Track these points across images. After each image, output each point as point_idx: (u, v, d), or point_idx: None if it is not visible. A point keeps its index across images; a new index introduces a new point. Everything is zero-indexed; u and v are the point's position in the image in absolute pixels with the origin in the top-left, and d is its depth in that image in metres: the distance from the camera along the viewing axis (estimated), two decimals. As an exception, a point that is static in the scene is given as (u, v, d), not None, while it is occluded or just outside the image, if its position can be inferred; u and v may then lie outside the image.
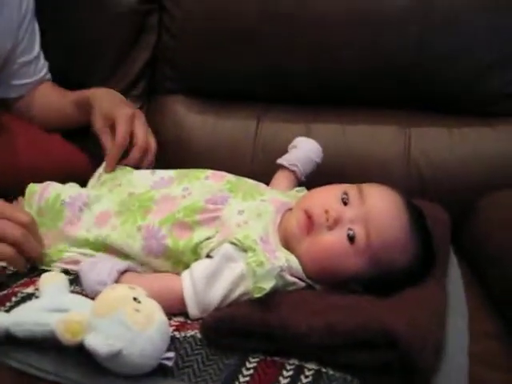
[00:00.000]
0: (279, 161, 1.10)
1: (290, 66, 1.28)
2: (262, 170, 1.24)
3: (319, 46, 1.25)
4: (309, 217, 0.86)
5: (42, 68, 1.28)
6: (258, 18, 1.26)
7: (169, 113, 1.37)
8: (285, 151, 1.25)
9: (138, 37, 1.36)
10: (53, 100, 1.25)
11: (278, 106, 1.33)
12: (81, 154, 1.22)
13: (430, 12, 1.21)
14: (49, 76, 1.29)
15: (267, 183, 1.06)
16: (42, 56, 1.27)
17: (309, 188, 1.07)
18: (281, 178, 1.09)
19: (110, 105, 1.09)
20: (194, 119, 1.35)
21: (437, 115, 1.27)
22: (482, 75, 1.23)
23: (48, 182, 0.99)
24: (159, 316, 0.71)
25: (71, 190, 0.99)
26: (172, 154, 1.33)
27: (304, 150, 1.11)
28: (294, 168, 1.08)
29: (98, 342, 0.66)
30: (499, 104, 1.24)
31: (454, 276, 0.96)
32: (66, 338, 0.67)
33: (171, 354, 0.70)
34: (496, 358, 0.83)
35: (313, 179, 1.19)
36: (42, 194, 0.97)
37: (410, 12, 1.21)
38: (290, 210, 0.93)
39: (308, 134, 1.26)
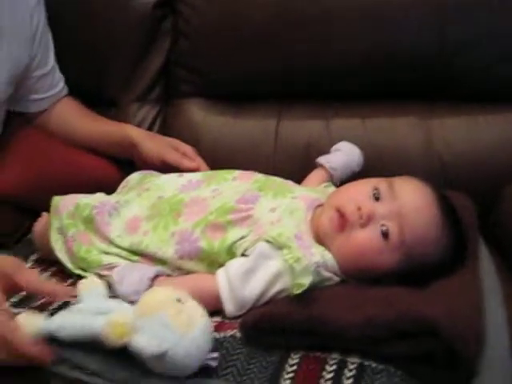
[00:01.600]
0: (320, 160, 1.11)
1: (303, 63, 1.28)
2: (284, 168, 1.25)
3: (332, 41, 1.25)
4: (341, 215, 0.86)
5: (59, 81, 1.28)
6: (271, 18, 1.26)
7: (187, 116, 1.37)
8: (306, 148, 1.27)
9: (153, 42, 1.37)
10: (76, 121, 1.26)
11: (296, 104, 1.32)
12: (112, 166, 1.23)
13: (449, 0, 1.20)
14: (66, 90, 1.30)
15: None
16: (57, 69, 1.28)
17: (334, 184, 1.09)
18: (316, 177, 1.10)
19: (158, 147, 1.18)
20: (212, 121, 1.35)
21: (459, 104, 1.25)
22: (501, 61, 1.21)
23: (73, 195, 1.00)
24: (202, 317, 0.72)
25: (99, 197, 1.00)
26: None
27: (348, 157, 1.12)
28: (333, 172, 1.09)
29: (145, 343, 0.67)
30: (521, 89, 1.22)
31: (486, 263, 0.95)
32: (112, 339, 0.68)
33: (215, 354, 0.71)
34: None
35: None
36: (70, 201, 0.97)
37: (426, 1, 1.21)
38: (321, 206, 0.93)
39: (328, 130, 1.27)
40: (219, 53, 1.32)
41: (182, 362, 0.68)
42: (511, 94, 1.24)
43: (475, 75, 1.23)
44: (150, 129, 1.38)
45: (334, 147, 1.15)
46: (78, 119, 1.26)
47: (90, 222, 0.95)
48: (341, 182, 1.08)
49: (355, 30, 1.24)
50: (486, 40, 1.20)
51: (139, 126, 1.36)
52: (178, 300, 0.71)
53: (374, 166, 1.17)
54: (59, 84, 1.28)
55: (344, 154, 1.12)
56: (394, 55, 1.24)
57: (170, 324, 0.68)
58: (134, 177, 1.09)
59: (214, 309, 0.83)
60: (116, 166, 1.23)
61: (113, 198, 1.01)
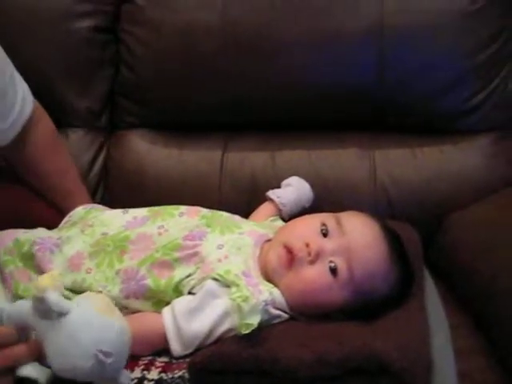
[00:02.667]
0: (270, 194, 1.10)
1: (251, 94, 1.28)
2: (230, 200, 1.26)
3: (280, 73, 1.26)
4: (289, 251, 0.86)
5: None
6: (218, 48, 1.26)
7: (131, 147, 1.35)
8: (251, 180, 1.27)
9: (97, 67, 1.35)
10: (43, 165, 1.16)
11: (242, 135, 1.32)
12: (59, 216, 1.13)
13: (386, 35, 1.22)
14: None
15: (235, 213, 1.05)
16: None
17: (280, 216, 1.08)
18: (265, 211, 1.09)
19: None
20: (157, 153, 1.33)
21: (399, 136, 1.28)
22: (439, 94, 1.25)
23: (12, 230, 0.96)
24: (123, 321, 0.71)
25: (40, 232, 0.96)
26: (136, 189, 1.31)
27: (298, 193, 1.12)
28: (283, 208, 1.08)
29: (57, 299, 0.67)
30: (459, 121, 1.26)
31: (431, 294, 0.97)
32: (39, 285, 0.68)
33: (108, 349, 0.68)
34: (484, 375, 0.84)
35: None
36: (8, 237, 0.93)
37: (366, 35, 1.23)
38: (269, 241, 0.92)
39: (274, 162, 1.28)
40: (164, 83, 1.30)
41: (79, 332, 0.67)
42: (446, 126, 1.28)
43: (412, 108, 1.26)
44: (94, 158, 1.36)
45: (285, 182, 1.15)
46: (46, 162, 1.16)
47: (29, 259, 0.91)
48: (289, 217, 1.08)
49: (302, 62, 1.25)
50: (424, 74, 1.24)
51: (84, 152, 1.35)
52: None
53: (319, 197, 1.18)
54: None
55: (295, 190, 1.12)
56: (338, 87, 1.26)
57: (93, 304, 0.69)
58: (78, 211, 1.05)
59: (162, 347, 0.81)
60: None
61: (54, 233, 0.97)
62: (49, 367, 0.71)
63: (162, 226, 0.92)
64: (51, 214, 1.13)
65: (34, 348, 0.71)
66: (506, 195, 1.18)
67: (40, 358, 0.71)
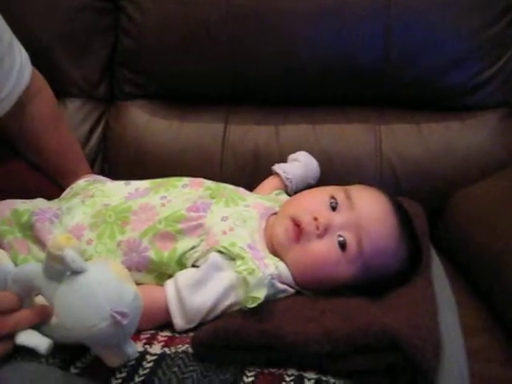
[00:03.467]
0: (276, 169, 1.08)
1: (253, 66, 1.26)
2: (232, 174, 1.24)
3: (282, 46, 1.23)
4: (297, 225, 0.83)
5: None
6: (219, 19, 1.23)
7: (131, 119, 1.32)
8: (254, 154, 1.25)
9: (94, 36, 1.31)
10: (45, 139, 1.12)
11: (245, 108, 1.30)
12: (55, 188, 1.11)
13: (393, 8, 1.20)
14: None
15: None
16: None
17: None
18: (269, 185, 1.06)
19: None
20: (157, 125, 1.30)
21: (405, 111, 1.27)
22: (446, 70, 1.23)
23: (10, 200, 0.93)
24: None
25: (40, 203, 0.94)
26: (136, 162, 1.29)
27: (305, 169, 1.09)
28: (288, 183, 1.06)
29: (74, 256, 0.65)
30: (466, 98, 1.25)
31: (438, 271, 0.95)
32: (56, 243, 0.66)
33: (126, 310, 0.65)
34: (492, 353, 0.83)
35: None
36: (7, 207, 0.91)
37: (373, 8, 1.20)
38: (274, 214, 0.90)
39: (277, 136, 1.25)
40: (164, 53, 1.27)
41: (97, 290, 0.65)
42: (453, 102, 1.26)
43: (418, 83, 1.24)
44: (92, 129, 1.33)
45: (292, 156, 1.12)
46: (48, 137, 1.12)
47: (28, 230, 0.88)
48: (294, 193, 1.05)
49: (306, 35, 1.22)
50: (430, 49, 1.22)
51: (81, 123, 1.32)
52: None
53: (324, 172, 1.16)
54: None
55: (302, 165, 1.10)
56: (343, 61, 1.23)
57: (111, 266, 0.68)
58: (80, 183, 1.02)
59: (164, 322, 0.79)
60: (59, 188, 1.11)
61: (54, 204, 0.94)
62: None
63: (165, 197, 0.90)
64: (50, 186, 1.10)
65: (37, 313, 0.69)
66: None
67: (43, 324, 0.69)
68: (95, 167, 1.32)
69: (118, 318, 0.63)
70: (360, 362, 0.69)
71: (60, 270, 0.65)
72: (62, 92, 1.30)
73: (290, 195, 1.04)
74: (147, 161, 1.28)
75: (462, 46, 1.22)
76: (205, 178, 1.00)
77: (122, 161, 1.32)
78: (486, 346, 0.85)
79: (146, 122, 1.31)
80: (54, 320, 0.68)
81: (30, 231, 0.88)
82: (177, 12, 1.25)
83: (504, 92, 1.25)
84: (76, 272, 0.65)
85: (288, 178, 1.06)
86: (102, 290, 0.65)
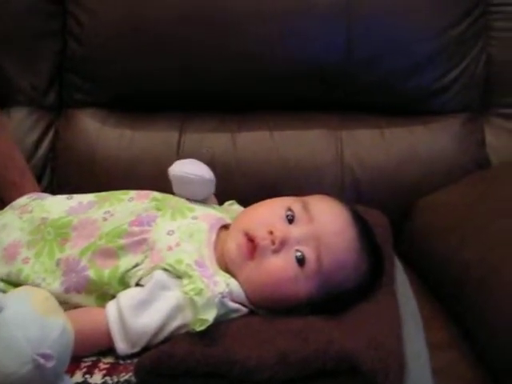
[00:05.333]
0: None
1: (207, 71, 1.22)
2: None
3: (237, 50, 1.20)
4: (251, 240, 0.78)
5: None
6: (169, 21, 1.19)
7: (81, 128, 1.28)
8: (211, 162, 1.18)
9: (41, 41, 1.26)
10: None
11: (200, 115, 1.26)
12: None
13: (354, 10, 1.18)
14: None
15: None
16: None
17: (240, 201, 1.00)
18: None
19: None
20: (109, 134, 1.26)
21: (368, 116, 1.24)
22: (409, 73, 1.21)
23: None
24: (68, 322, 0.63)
25: None
26: (87, 173, 1.24)
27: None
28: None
29: None
30: (429, 102, 1.23)
31: (402, 283, 0.91)
32: None
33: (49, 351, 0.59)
34: (460, 370, 0.80)
35: (243, 189, 1.13)
36: None
37: (333, 10, 1.18)
38: (225, 226, 0.84)
39: (234, 143, 1.22)
40: (114, 58, 1.23)
41: (13, 332, 0.58)
42: (415, 107, 1.24)
43: (381, 88, 1.22)
44: (40, 139, 1.28)
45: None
46: None
47: None
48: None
49: (264, 37, 1.19)
50: (392, 53, 1.20)
51: (28, 133, 1.27)
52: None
53: (282, 180, 1.14)
54: None
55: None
56: (302, 65, 1.20)
57: (31, 299, 0.61)
58: (21, 201, 0.95)
59: (107, 346, 0.73)
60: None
61: None
62: None
63: (108, 212, 0.84)
64: None
65: None
66: (477, 178, 1.14)
67: None
68: (44, 179, 1.27)
69: (41, 361, 0.57)
70: (317, 388, 0.63)
71: None
72: (6, 100, 1.25)
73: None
74: (98, 171, 1.24)
75: (424, 48, 1.20)
76: (159, 188, 0.93)
77: (71, 172, 1.27)
78: (453, 362, 0.81)
79: (96, 131, 1.27)
80: None
81: None
82: (126, 15, 1.21)
83: (466, 96, 1.24)
84: None
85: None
86: (21, 331, 0.58)
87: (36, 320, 0.60)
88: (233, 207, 0.96)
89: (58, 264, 0.79)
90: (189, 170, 0.89)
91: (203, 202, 0.89)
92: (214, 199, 0.97)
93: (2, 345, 0.58)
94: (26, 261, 0.80)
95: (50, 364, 0.58)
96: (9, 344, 0.58)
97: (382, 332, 0.70)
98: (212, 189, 0.90)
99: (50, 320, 0.61)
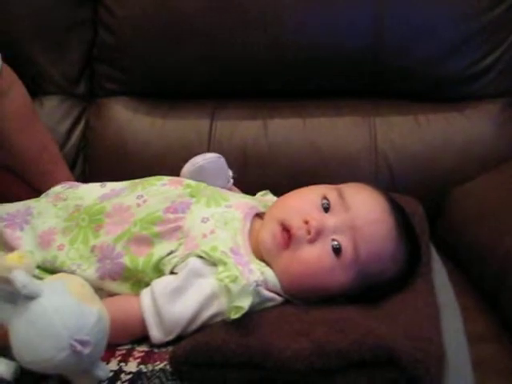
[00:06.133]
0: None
1: (239, 58, 1.21)
2: None
3: (267, 37, 1.18)
4: (286, 229, 0.76)
5: None
6: (204, 11, 1.18)
7: (112, 117, 1.28)
8: (242, 151, 1.19)
9: (71, 30, 1.26)
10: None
11: (231, 103, 1.25)
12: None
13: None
14: None
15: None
16: None
17: (273, 190, 0.99)
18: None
19: None
20: (140, 122, 1.26)
21: (401, 102, 1.22)
22: (443, 58, 1.18)
23: None
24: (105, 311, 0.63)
25: (8, 207, 0.87)
26: (118, 161, 1.24)
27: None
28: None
29: (25, 279, 0.60)
30: (465, 87, 1.20)
31: (439, 273, 0.89)
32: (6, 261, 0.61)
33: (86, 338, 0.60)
34: (501, 362, 0.77)
35: (276, 178, 1.12)
36: None
37: None
38: (259, 215, 0.83)
39: (266, 130, 1.21)
40: (145, 47, 1.23)
41: (51, 318, 0.59)
42: (451, 92, 1.21)
43: (413, 73, 1.19)
44: (72, 128, 1.29)
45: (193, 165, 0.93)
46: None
47: None
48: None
49: (292, 24, 1.17)
50: (425, 37, 1.17)
51: (60, 122, 1.27)
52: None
53: (316, 168, 1.13)
54: None
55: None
56: (332, 50, 1.18)
57: (68, 286, 0.61)
58: (55, 189, 0.96)
59: (141, 335, 0.73)
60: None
61: (24, 207, 0.88)
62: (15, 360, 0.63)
63: (142, 196, 0.83)
64: (27, 193, 1.03)
65: None
66: (516, 165, 1.10)
67: (5, 349, 0.63)
68: (76, 168, 1.28)
69: (79, 347, 0.58)
70: (354, 379, 0.62)
71: (12, 292, 0.59)
72: (38, 90, 1.25)
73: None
74: (130, 160, 1.24)
75: (458, 32, 1.17)
76: (190, 177, 0.94)
77: (103, 161, 1.27)
78: (494, 355, 0.78)
79: (128, 120, 1.26)
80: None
81: None
82: (157, 4, 1.20)
83: (505, 80, 1.20)
84: (29, 297, 0.59)
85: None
86: (58, 318, 0.59)
87: (73, 307, 0.60)
88: (266, 197, 0.95)
89: (92, 250, 0.79)
90: (197, 159, 0.91)
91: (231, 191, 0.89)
92: (236, 189, 0.97)
93: (40, 331, 0.59)
94: (60, 247, 0.81)
95: (86, 350, 0.58)
96: (47, 330, 0.59)
97: (421, 322, 0.68)
98: (226, 168, 0.94)
99: (86, 307, 0.61)
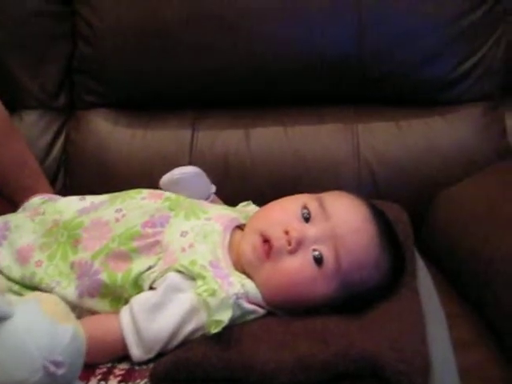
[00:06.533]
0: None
1: (219, 67, 1.20)
2: None
3: (247, 47, 1.18)
4: (266, 240, 0.75)
5: None
6: (179, 21, 1.18)
7: (92, 129, 1.26)
8: (224, 160, 1.18)
9: (51, 42, 1.24)
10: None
11: (212, 112, 1.24)
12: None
13: (365, 0, 1.15)
14: None
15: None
16: None
17: (255, 200, 0.98)
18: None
19: None
20: (120, 134, 1.24)
21: (383, 108, 1.21)
22: (423, 63, 1.18)
23: None
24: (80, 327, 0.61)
25: None
26: (100, 174, 1.23)
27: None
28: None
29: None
30: (446, 91, 1.19)
31: (424, 280, 0.88)
32: None
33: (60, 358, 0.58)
34: (488, 370, 0.76)
35: (259, 188, 1.11)
36: None
37: (344, 2, 1.15)
38: (240, 227, 0.82)
39: (248, 140, 1.20)
40: (124, 58, 1.22)
41: (24, 339, 0.56)
42: (432, 97, 1.21)
43: (395, 78, 1.19)
44: (52, 142, 1.27)
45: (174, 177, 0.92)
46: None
47: None
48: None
49: (273, 32, 1.17)
50: (405, 42, 1.17)
51: (40, 136, 1.26)
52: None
53: (299, 177, 1.12)
54: None
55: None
56: (312, 58, 1.18)
57: (41, 306, 0.59)
58: (33, 201, 0.94)
59: (122, 353, 0.71)
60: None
61: (1, 221, 0.86)
62: None
63: (120, 210, 0.82)
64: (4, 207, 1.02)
65: None
66: (499, 168, 1.11)
67: None
68: (57, 182, 1.26)
69: (52, 368, 0.56)
70: (339, 392, 0.61)
71: None
72: (17, 104, 1.24)
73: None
74: (111, 173, 1.22)
75: (438, 36, 1.17)
76: (172, 189, 0.92)
77: (84, 174, 1.26)
78: (481, 362, 0.77)
79: (108, 132, 1.25)
80: None
81: None
82: (135, 15, 1.19)
83: (485, 84, 1.20)
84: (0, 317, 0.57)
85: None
86: (30, 339, 0.57)
87: (46, 326, 0.58)
88: (248, 208, 0.93)
89: (72, 267, 0.78)
90: (175, 172, 0.91)
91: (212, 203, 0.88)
92: (218, 200, 0.95)
93: (12, 352, 0.57)
94: (38, 264, 0.79)
95: (61, 371, 0.56)
96: (19, 351, 0.57)
97: (405, 332, 0.67)
98: (208, 183, 0.93)
99: (60, 326, 0.59)
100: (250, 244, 0.77)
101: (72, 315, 0.63)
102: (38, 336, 0.57)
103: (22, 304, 0.61)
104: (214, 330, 0.65)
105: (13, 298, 0.71)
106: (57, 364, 0.56)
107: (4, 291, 0.75)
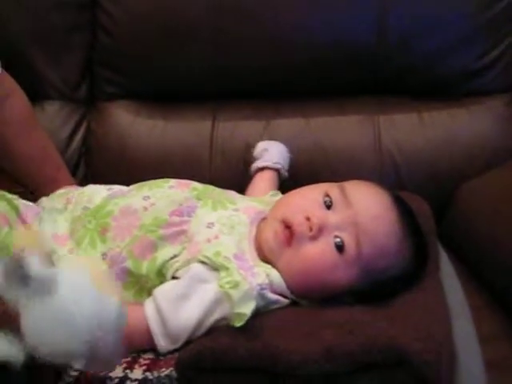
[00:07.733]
0: (260, 164, 1.04)
1: (239, 59, 1.19)
2: (222, 173, 1.18)
3: (267, 37, 1.16)
4: (287, 227, 0.76)
5: None
6: (203, 12, 1.17)
7: (113, 120, 1.26)
8: (245, 151, 1.17)
9: (71, 33, 1.24)
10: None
11: (233, 103, 1.23)
12: None
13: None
14: None
15: (227, 189, 0.95)
16: None
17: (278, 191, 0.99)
18: (262, 181, 1.02)
19: None
20: (141, 125, 1.24)
21: (405, 99, 1.19)
22: (448, 53, 1.16)
23: None
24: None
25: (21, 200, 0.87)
26: (120, 165, 1.22)
27: (276, 149, 1.06)
28: (278, 166, 1.02)
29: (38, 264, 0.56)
30: (469, 83, 1.17)
31: (447, 272, 0.87)
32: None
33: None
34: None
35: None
36: None
37: None
38: (265, 219, 0.82)
39: (270, 131, 1.19)
40: (145, 50, 1.21)
41: (71, 311, 0.56)
42: (455, 88, 1.19)
43: (418, 69, 1.17)
44: (73, 133, 1.27)
45: (257, 151, 1.09)
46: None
47: (14, 208, 0.82)
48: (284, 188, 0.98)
49: (293, 22, 1.15)
50: (430, 32, 1.15)
51: (61, 127, 1.26)
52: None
53: (320, 168, 1.11)
54: None
55: (271, 149, 1.07)
56: (334, 48, 1.16)
57: (88, 269, 0.58)
58: (58, 194, 0.95)
59: (148, 346, 0.71)
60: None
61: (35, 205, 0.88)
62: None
63: (148, 198, 0.82)
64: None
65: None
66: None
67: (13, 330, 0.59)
68: (78, 173, 1.26)
69: (96, 340, 0.56)
70: (365, 382, 0.61)
71: (22, 274, 0.56)
72: (38, 95, 1.24)
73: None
74: (132, 164, 1.22)
75: (462, 27, 1.15)
76: (193, 179, 0.93)
77: (105, 165, 1.25)
78: (507, 355, 0.77)
79: (129, 124, 1.25)
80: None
81: (16, 210, 0.82)
82: (156, 6, 1.18)
83: (510, 75, 1.18)
84: (43, 284, 0.56)
85: (275, 163, 1.03)
86: (79, 311, 0.56)
87: (93, 297, 0.57)
88: (276, 198, 0.93)
89: (103, 258, 0.78)
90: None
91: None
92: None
93: (58, 326, 0.56)
94: (71, 251, 0.79)
95: (103, 342, 0.56)
96: (65, 324, 0.56)
97: (431, 322, 0.67)
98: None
99: (108, 300, 0.58)
100: (271, 231, 0.77)
101: (116, 288, 0.62)
102: (85, 308, 0.56)
103: (67, 273, 0.59)
104: (238, 324, 0.65)
105: (65, 257, 0.69)
106: (102, 340, 0.56)
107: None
